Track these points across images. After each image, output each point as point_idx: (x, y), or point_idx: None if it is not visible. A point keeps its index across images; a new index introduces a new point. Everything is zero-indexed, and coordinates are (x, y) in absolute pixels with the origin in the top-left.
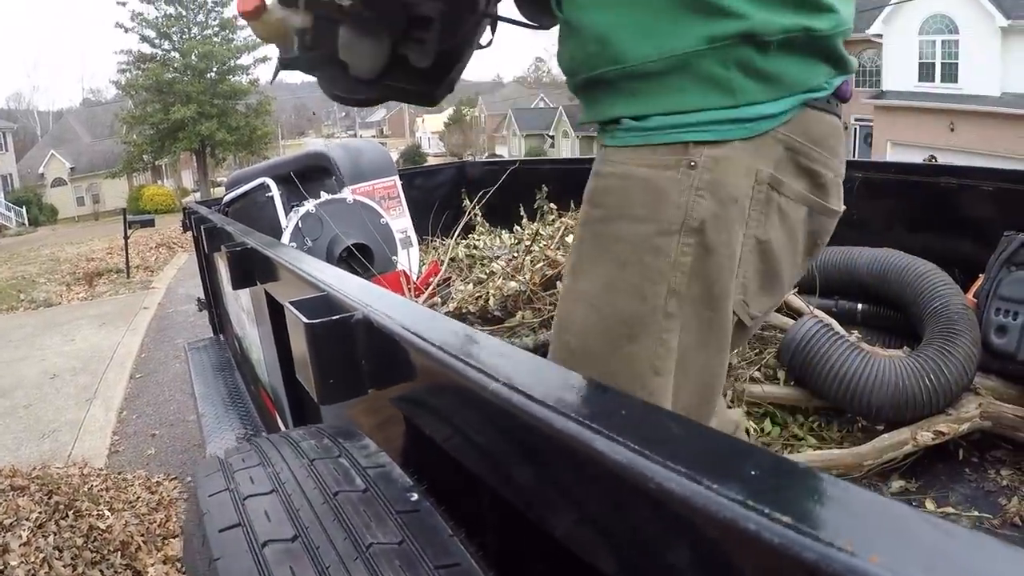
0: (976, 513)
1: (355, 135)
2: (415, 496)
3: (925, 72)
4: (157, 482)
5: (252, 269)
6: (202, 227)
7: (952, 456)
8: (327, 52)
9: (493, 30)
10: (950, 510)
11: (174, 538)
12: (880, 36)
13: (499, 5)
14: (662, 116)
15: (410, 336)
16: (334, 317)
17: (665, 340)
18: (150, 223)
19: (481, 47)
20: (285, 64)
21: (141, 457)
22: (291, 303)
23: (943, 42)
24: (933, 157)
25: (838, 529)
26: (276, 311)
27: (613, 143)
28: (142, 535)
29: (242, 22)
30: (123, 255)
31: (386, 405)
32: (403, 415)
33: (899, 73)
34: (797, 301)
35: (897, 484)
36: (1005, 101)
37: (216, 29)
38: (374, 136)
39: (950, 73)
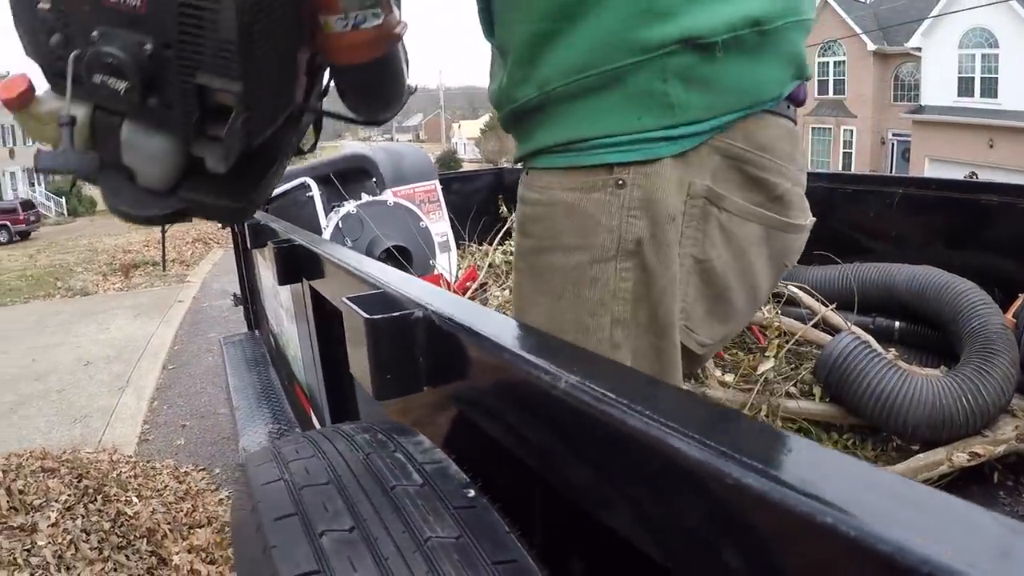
0: None
1: (392, 139)
2: (472, 492)
3: (964, 87)
4: (185, 472)
5: (298, 265)
6: (245, 223)
7: (987, 479)
8: (108, 154)
9: (317, 131)
10: None
11: (200, 528)
12: (919, 49)
13: (325, 100)
14: (585, 140)
15: (476, 335)
16: (395, 314)
17: None
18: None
19: (302, 152)
20: (46, 166)
21: (170, 447)
22: (349, 299)
23: (983, 56)
24: (974, 174)
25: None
26: (320, 308)
27: (535, 165)
28: (168, 523)
29: None
30: (160, 248)
31: (441, 403)
32: (460, 413)
33: (938, 87)
34: (835, 317)
35: None
36: None
37: None
38: (411, 141)
39: (990, 88)
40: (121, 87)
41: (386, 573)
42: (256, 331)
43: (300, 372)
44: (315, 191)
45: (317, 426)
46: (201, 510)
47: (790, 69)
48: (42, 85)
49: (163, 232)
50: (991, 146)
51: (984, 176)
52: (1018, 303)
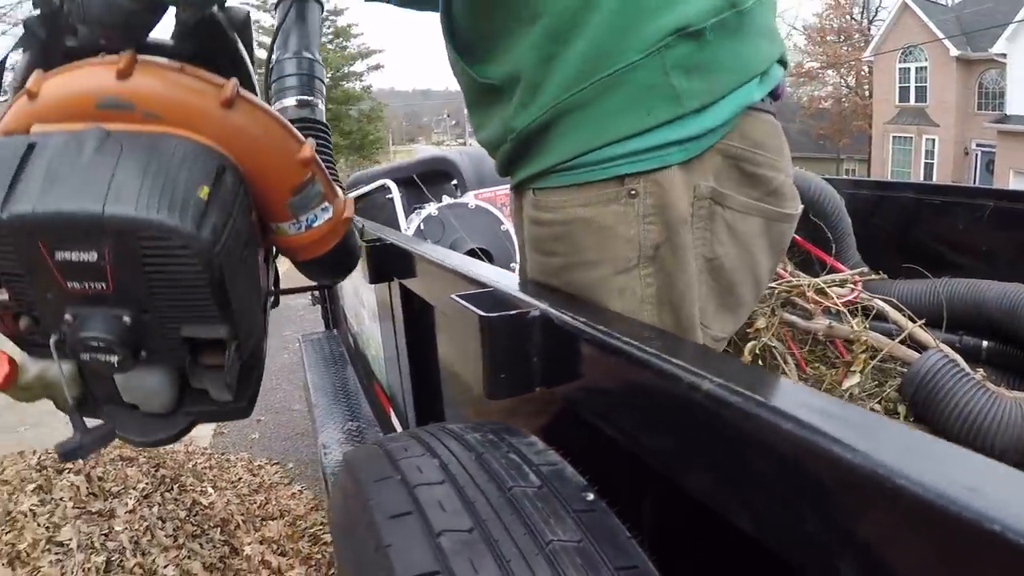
0: None
1: (464, 143)
2: (591, 496)
3: None
4: (259, 465)
5: (389, 264)
6: None
7: None
8: (105, 393)
9: (276, 301)
10: None
11: (272, 520)
12: (1004, 56)
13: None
14: (596, 151)
15: (605, 336)
16: (511, 312)
17: None
18: None
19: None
20: (70, 455)
21: (245, 440)
22: (461, 296)
23: None
24: None
25: None
26: (409, 307)
27: (543, 186)
28: (242, 515)
29: (357, 30)
30: None
31: (553, 404)
32: (574, 414)
33: None
34: (923, 334)
35: None
36: None
37: (331, 37)
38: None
39: None
40: (112, 359)
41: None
42: (334, 330)
43: (380, 371)
44: (395, 193)
45: (397, 426)
46: (274, 503)
47: (769, 42)
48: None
49: None
50: None
51: None
52: None
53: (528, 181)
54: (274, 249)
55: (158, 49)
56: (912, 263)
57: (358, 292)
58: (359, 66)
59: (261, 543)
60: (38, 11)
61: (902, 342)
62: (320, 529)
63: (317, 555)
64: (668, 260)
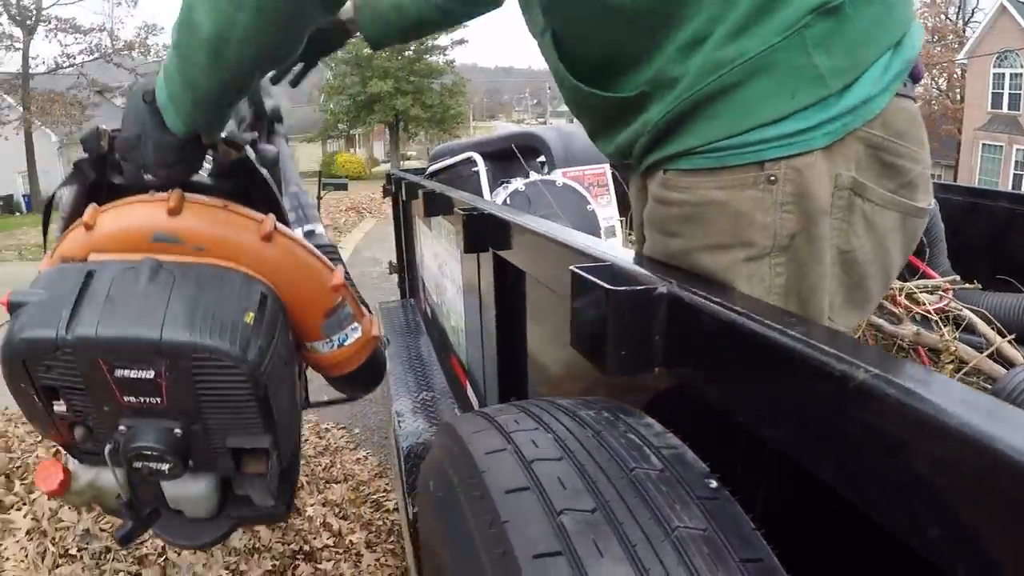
0: None
1: (544, 123)
2: (714, 483)
3: None
4: (326, 429)
5: (485, 235)
6: (419, 191)
7: None
8: (151, 498)
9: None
10: None
11: (336, 483)
12: None
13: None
14: (738, 136)
15: (740, 318)
16: (638, 287)
17: None
18: (343, 186)
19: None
20: (128, 540)
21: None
22: (583, 268)
23: None
24: None
25: None
26: (502, 278)
27: (678, 167)
28: (306, 476)
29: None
30: None
31: (671, 385)
32: (694, 397)
33: None
34: (1011, 350)
35: None
36: None
37: None
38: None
39: None
40: (163, 468)
41: (635, 561)
42: (411, 299)
43: (459, 344)
44: (481, 166)
45: (473, 400)
46: (338, 467)
47: (900, 9)
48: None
49: (318, 199)
50: None
51: None
52: None
53: (661, 163)
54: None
55: (198, 186)
56: (1003, 275)
57: (442, 263)
58: (443, 40)
59: (324, 505)
60: (87, 155)
61: (990, 356)
62: (383, 496)
63: (378, 521)
64: (803, 250)
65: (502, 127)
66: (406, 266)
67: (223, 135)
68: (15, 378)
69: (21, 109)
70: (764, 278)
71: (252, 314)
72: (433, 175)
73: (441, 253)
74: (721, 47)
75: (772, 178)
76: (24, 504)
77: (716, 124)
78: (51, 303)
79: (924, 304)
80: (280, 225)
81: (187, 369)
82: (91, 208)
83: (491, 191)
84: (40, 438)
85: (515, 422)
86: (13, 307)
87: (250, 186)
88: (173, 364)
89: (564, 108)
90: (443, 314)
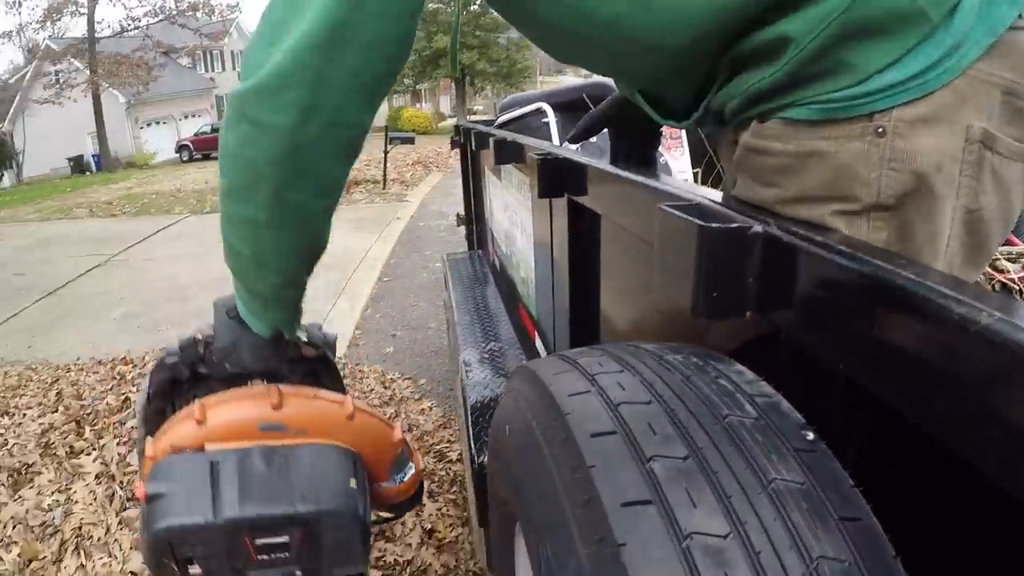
0: None
1: None
2: (811, 435)
3: None
4: (392, 379)
5: (560, 179)
6: (490, 139)
7: None
8: None
9: None
10: None
11: None
12: None
13: None
14: (848, 88)
15: (844, 260)
16: (732, 225)
17: None
18: (410, 140)
19: None
20: None
21: (379, 353)
22: (672, 206)
23: None
24: None
25: None
26: (578, 224)
27: (779, 116)
28: None
29: None
30: (381, 167)
31: (763, 331)
32: (789, 345)
33: None
34: None
35: None
36: None
37: None
38: None
39: None
40: None
41: (730, 513)
42: (479, 251)
43: (528, 294)
44: (551, 117)
45: (541, 350)
46: (403, 416)
47: None
48: None
49: (385, 153)
50: None
51: None
52: None
53: (760, 115)
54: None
55: (278, 376)
56: None
57: (512, 212)
58: None
59: None
60: (182, 356)
61: None
62: (446, 447)
63: (441, 471)
64: (910, 211)
65: (570, 81)
66: (474, 218)
67: (305, 337)
68: (157, 554)
69: (88, 72)
70: (859, 235)
71: (354, 480)
72: (503, 126)
73: (511, 203)
74: (819, 5)
75: (880, 130)
76: (94, 449)
77: (822, 81)
78: (190, 490)
79: (1007, 271)
80: (357, 402)
81: (316, 530)
82: (199, 404)
83: (562, 142)
84: (109, 386)
85: (599, 364)
86: (151, 498)
87: (319, 369)
88: (305, 529)
89: None
90: (512, 264)
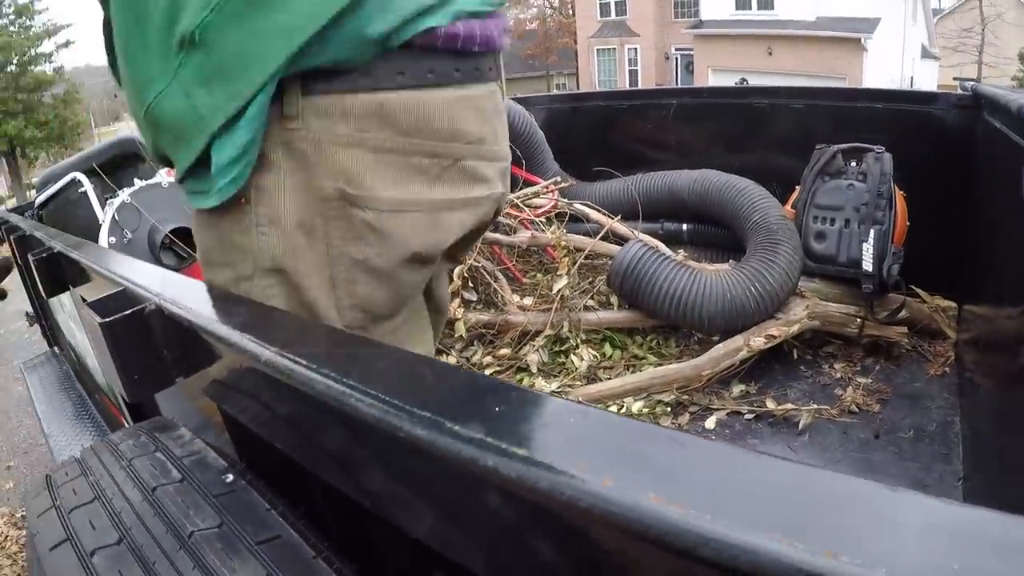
0: (815, 406)
1: None
2: (230, 477)
3: (742, 1)
4: (22, 516)
5: (63, 274)
6: (12, 236)
7: (787, 357)
8: None
9: None
10: (790, 406)
11: None
12: None
13: None
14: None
15: (199, 319)
16: (127, 311)
17: None
18: None
19: None
20: None
21: (1, 494)
22: (87, 302)
23: None
24: (744, 80)
25: (573, 456)
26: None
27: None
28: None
29: (40, 5)
30: None
31: (197, 391)
32: (211, 399)
33: (716, 2)
34: (622, 228)
35: (738, 389)
36: (819, 24)
37: (11, 17)
38: None
39: (766, 1)
40: None
41: None
42: (56, 348)
43: (102, 380)
44: (87, 186)
45: None
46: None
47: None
48: None
49: None
50: (770, 54)
51: (763, 81)
52: (795, 194)
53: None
54: None
55: None
56: (609, 166)
57: (63, 305)
58: (47, 46)
59: None
60: None
61: (604, 238)
62: None
63: None
64: (292, 269)
65: (127, 128)
66: (42, 314)
67: None
68: None
69: None
70: (260, 298)
71: None
72: (43, 206)
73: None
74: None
75: (244, 199)
76: None
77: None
78: None
79: (536, 209)
80: None
81: None
82: None
83: (103, 209)
84: None
85: (65, 475)
86: None
87: None
88: None
89: None
90: (82, 355)
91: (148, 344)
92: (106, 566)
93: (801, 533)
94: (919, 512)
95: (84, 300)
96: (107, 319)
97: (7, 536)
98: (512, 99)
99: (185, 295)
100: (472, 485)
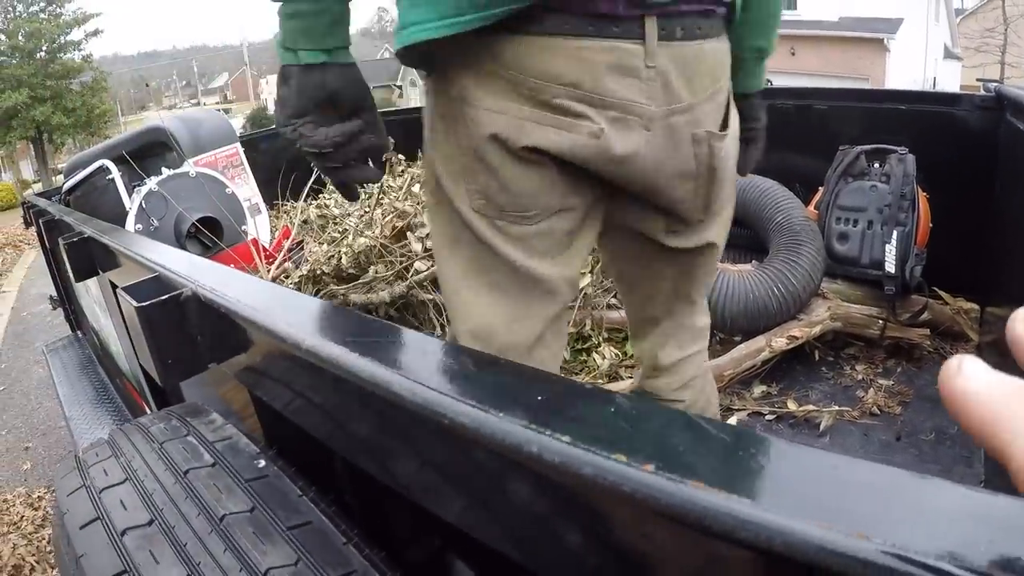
0: (836, 407)
1: (198, 103)
2: (262, 463)
3: None
4: (39, 497)
5: (93, 259)
6: (41, 220)
7: (809, 358)
8: None
9: None
10: (811, 407)
11: None
12: None
13: None
14: None
15: (236, 307)
16: (163, 297)
17: None
18: None
19: None
20: None
21: (18, 474)
22: (122, 288)
23: None
24: (768, 81)
25: (617, 442)
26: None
27: None
28: (33, 555)
29: None
30: None
31: (229, 377)
32: (244, 385)
33: None
34: None
35: (759, 389)
36: (842, 25)
37: (42, 4)
38: (217, 103)
39: (790, 1)
40: None
41: (186, 560)
42: (79, 332)
43: (124, 365)
44: (115, 173)
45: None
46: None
47: None
48: None
49: None
50: (793, 54)
51: (786, 81)
52: (818, 195)
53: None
54: None
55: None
56: None
57: (88, 289)
58: (76, 34)
59: None
60: None
61: None
62: None
63: None
64: None
65: (153, 117)
66: (66, 297)
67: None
68: None
69: None
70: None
71: None
72: (70, 192)
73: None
74: None
75: None
76: None
77: None
78: None
79: None
80: None
81: None
82: None
83: (130, 197)
84: None
85: (96, 455)
86: None
87: None
88: None
89: (215, 85)
90: (105, 339)
91: (183, 330)
92: (137, 545)
93: (835, 517)
94: (950, 498)
95: (116, 285)
96: (143, 303)
97: (23, 516)
98: None
99: (221, 282)
100: (512, 472)
